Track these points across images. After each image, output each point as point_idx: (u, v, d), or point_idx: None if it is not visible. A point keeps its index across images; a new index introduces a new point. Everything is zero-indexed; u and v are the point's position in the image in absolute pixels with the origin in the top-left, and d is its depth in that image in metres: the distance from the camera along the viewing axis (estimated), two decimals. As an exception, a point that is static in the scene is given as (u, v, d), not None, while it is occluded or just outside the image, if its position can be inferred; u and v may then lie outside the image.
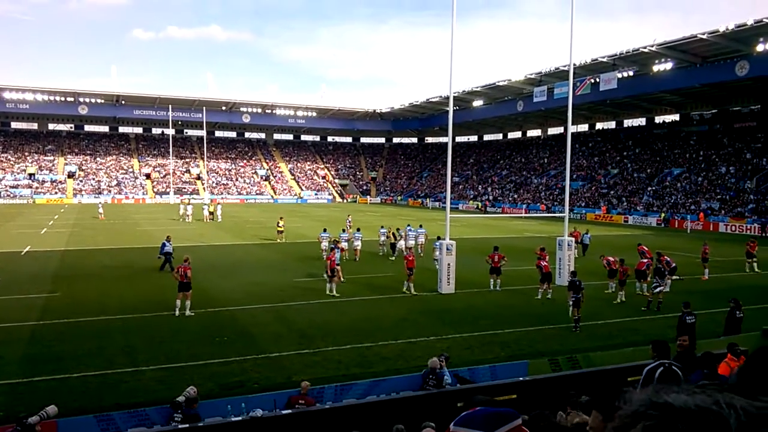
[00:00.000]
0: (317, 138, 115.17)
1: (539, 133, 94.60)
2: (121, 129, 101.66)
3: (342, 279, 21.76)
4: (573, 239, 31.24)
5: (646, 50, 55.97)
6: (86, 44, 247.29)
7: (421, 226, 33.52)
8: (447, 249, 21.35)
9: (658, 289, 18.91)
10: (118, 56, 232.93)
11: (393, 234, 31.26)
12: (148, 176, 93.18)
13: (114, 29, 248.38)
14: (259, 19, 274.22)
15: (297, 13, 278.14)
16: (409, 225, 33.71)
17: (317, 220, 43.74)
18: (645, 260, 21.66)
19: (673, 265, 22.58)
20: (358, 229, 31.22)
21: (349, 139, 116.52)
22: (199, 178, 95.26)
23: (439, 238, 28.98)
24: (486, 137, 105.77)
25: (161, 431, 8.47)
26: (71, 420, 8.95)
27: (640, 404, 0.79)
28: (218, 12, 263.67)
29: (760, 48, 50.04)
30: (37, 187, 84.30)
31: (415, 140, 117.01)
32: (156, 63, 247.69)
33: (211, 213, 52.86)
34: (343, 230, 33.06)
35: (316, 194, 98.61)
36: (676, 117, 73.47)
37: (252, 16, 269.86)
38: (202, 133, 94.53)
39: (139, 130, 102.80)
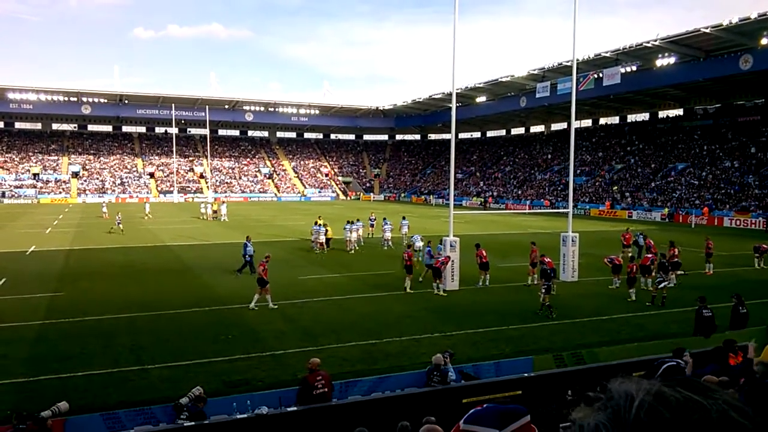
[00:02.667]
0: (320, 136, 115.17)
1: (542, 129, 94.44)
2: (125, 128, 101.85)
3: (420, 279, 22.35)
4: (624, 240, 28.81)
5: (649, 45, 55.76)
6: (89, 44, 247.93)
7: (404, 218, 36.26)
8: (450, 246, 21.35)
9: (662, 285, 18.87)
10: (121, 56, 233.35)
11: (327, 228, 31.94)
12: (151, 175, 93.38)
13: (115, 28, 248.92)
14: (260, 16, 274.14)
15: (298, 11, 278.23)
16: (385, 218, 35.06)
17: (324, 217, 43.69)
18: (649, 255, 21.58)
19: (676, 259, 22.51)
20: (352, 222, 32.72)
21: (352, 137, 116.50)
22: (202, 176, 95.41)
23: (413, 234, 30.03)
24: (489, 133, 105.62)
25: (167, 429, 8.49)
26: (78, 418, 8.99)
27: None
28: (219, 10, 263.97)
29: (764, 42, 49.81)
30: (41, 187, 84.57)
31: (418, 137, 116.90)
32: (158, 62, 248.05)
33: (214, 211, 53.00)
34: (385, 220, 34.36)
35: (319, 192, 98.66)
36: (679, 112, 73.22)
37: (253, 13, 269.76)
38: (206, 131, 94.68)
39: (142, 129, 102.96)
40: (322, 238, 30.81)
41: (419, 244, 27.73)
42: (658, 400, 0.86)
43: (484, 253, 22.13)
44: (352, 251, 31.00)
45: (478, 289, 21.48)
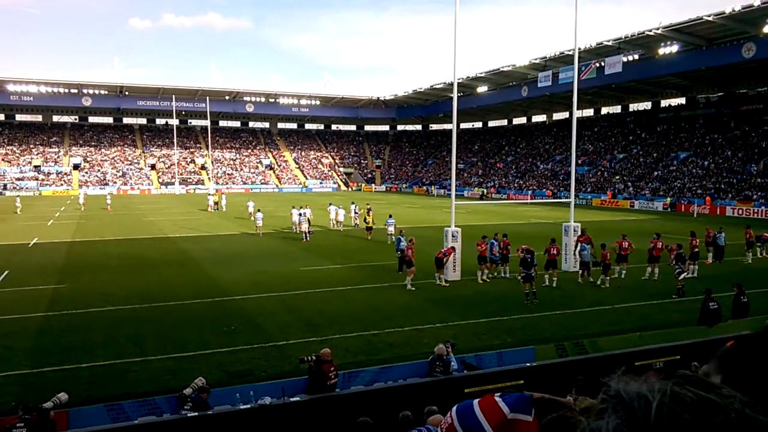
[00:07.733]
0: (321, 126, 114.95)
1: (544, 119, 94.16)
2: (125, 120, 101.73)
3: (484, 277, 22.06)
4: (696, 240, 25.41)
5: (651, 33, 55.45)
6: (89, 36, 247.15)
7: (353, 203, 40.46)
8: (452, 236, 21.33)
9: (682, 276, 18.71)
10: (121, 47, 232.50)
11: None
12: (153, 167, 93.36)
13: (115, 19, 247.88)
14: (259, 6, 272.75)
15: (298, 1, 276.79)
16: (331, 203, 39.48)
17: (323, 209, 43.78)
18: (661, 245, 21.27)
19: (696, 250, 22.36)
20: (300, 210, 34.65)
21: (353, 127, 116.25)
22: (203, 168, 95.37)
23: (390, 216, 31.32)
24: (491, 123, 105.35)
25: (171, 419, 8.53)
26: (81, 409, 9.03)
27: (607, 393, 0.89)
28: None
29: (767, 29, 49.49)
30: (43, 179, 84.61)
31: (419, 127, 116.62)
32: (158, 53, 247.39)
33: (216, 203, 53.04)
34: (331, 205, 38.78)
35: (320, 183, 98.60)
36: (682, 100, 72.94)
37: (252, 3, 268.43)
38: (206, 123, 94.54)
39: (143, 120, 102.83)
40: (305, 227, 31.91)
41: (391, 229, 29.76)
42: (674, 402, 0.82)
43: (501, 245, 21.94)
44: (304, 241, 31.21)
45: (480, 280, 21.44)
